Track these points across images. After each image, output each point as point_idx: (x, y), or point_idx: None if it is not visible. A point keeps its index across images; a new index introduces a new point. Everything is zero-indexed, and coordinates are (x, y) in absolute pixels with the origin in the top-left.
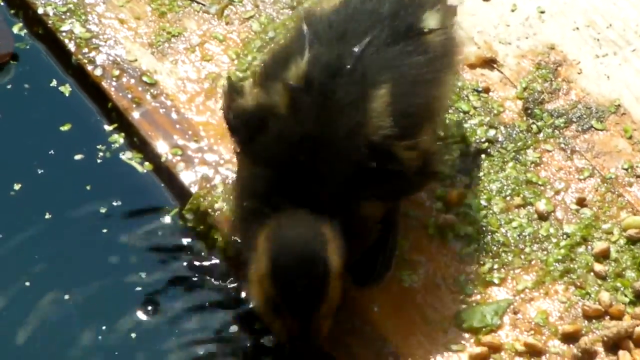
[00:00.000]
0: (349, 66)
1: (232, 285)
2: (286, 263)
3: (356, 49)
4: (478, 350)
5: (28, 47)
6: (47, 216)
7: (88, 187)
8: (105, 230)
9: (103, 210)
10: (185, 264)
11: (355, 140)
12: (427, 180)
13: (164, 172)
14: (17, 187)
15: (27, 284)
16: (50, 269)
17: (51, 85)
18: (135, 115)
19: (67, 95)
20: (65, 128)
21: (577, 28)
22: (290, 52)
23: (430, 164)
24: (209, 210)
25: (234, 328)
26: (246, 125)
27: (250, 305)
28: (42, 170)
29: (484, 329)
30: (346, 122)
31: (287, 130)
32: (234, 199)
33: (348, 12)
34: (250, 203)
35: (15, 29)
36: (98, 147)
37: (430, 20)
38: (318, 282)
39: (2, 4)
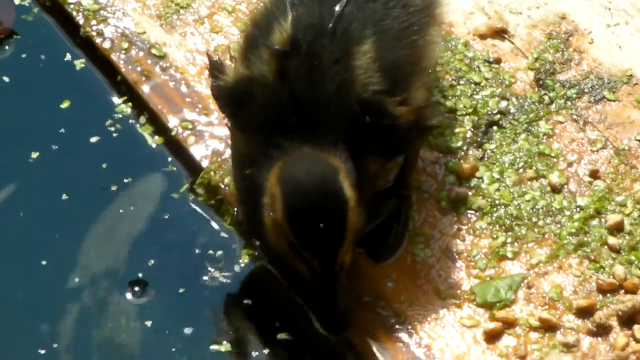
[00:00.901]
0: (330, 25)
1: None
2: (301, 205)
3: (337, 8)
4: (492, 325)
5: (33, 19)
6: (64, 196)
7: (104, 165)
8: (116, 203)
9: (114, 188)
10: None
11: (345, 98)
12: (423, 135)
13: (175, 146)
14: (34, 155)
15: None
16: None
17: (60, 57)
18: (145, 88)
19: (77, 68)
20: (72, 101)
21: None
22: (272, 17)
23: (424, 118)
24: (220, 184)
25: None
26: (231, 100)
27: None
28: (57, 146)
29: (498, 304)
30: (335, 81)
31: (276, 95)
32: (233, 171)
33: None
34: (250, 171)
35: (20, 1)
36: (108, 120)
37: None
38: (337, 220)
39: None
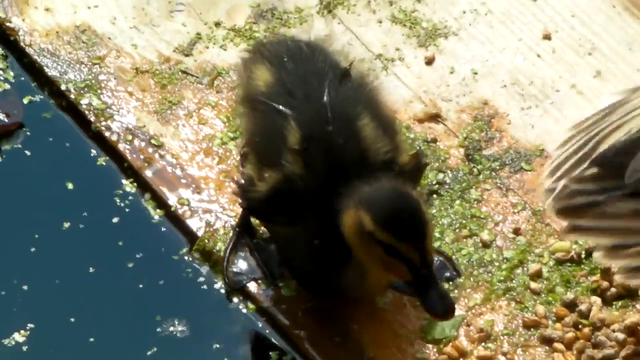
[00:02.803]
0: (329, 115)
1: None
2: (392, 212)
3: (325, 99)
4: (439, 358)
5: (51, 116)
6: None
7: (120, 242)
8: (131, 265)
9: (138, 256)
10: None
11: (367, 166)
12: (422, 173)
13: (174, 219)
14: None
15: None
16: None
17: (75, 146)
18: (148, 173)
19: (95, 159)
20: (86, 183)
21: (505, 86)
22: (277, 127)
23: (420, 160)
24: (213, 250)
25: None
26: (271, 206)
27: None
28: (86, 213)
29: (443, 340)
30: (353, 156)
31: (310, 182)
32: (293, 263)
33: (294, 79)
34: (318, 259)
35: (42, 100)
36: (116, 197)
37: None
38: (422, 214)
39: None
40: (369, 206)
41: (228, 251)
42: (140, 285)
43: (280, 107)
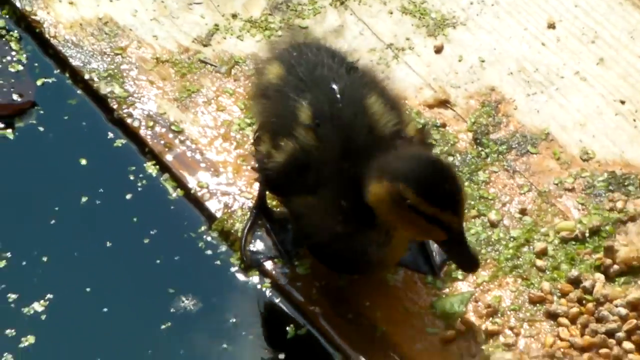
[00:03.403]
0: (338, 95)
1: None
2: (434, 182)
3: (333, 85)
4: (448, 333)
5: (77, 102)
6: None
7: (135, 218)
8: (146, 241)
9: (152, 232)
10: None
11: (375, 137)
12: (431, 149)
13: (194, 201)
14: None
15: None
16: None
17: (93, 128)
18: (169, 157)
19: (113, 141)
20: (96, 161)
21: (511, 73)
22: (290, 107)
23: (425, 137)
24: (231, 230)
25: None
26: (288, 175)
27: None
28: (102, 189)
29: (452, 315)
30: (363, 129)
31: (325, 152)
32: (309, 235)
33: (304, 71)
34: (341, 226)
35: (67, 88)
36: (138, 177)
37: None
38: (459, 182)
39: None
40: (410, 181)
41: (245, 231)
42: (157, 261)
43: (292, 95)
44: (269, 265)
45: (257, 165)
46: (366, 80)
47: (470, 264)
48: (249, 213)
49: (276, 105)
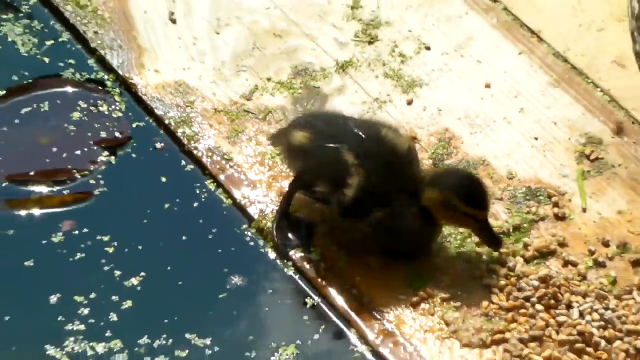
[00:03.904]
0: (364, 137)
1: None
2: (471, 188)
3: (357, 131)
4: (415, 299)
5: (160, 139)
6: (184, 237)
7: (200, 220)
8: (210, 236)
9: (213, 230)
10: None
11: (399, 155)
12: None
13: (239, 208)
14: (166, 205)
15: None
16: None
17: (171, 157)
18: (222, 177)
19: (185, 166)
20: (174, 178)
21: (460, 118)
22: (335, 158)
23: (414, 150)
24: (265, 227)
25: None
26: (361, 203)
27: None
28: (178, 199)
29: (418, 286)
30: (390, 153)
31: (377, 179)
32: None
33: (327, 128)
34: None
35: (146, 126)
36: (202, 191)
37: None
38: (485, 188)
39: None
40: (456, 190)
41: (275, 230)
42: (220, 250)
43: (332, 144)
44: (291, 253)
45: (337, 205)
46: (368, 123)
47: (496, 243)
48: (274, 216)
49: (321, 158)
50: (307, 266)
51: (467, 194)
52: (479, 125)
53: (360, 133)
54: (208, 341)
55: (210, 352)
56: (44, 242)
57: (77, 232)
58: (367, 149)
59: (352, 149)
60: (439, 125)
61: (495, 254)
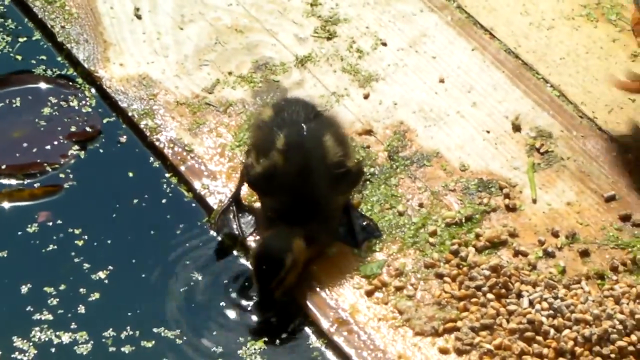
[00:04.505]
0: (304, 133)
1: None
2: (259, 254)
3: (303, 125)
4: (369, 287)
5: (125, 132)
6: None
7: (167, 215)
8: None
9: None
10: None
11: (325, 164)
12: (361, 177)
13: (199, 198)
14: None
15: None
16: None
17: (137, 151)
18: (182, 168)
19: (150, 158)
20: (140, 172)
21: (414, 112)
22: (271, 135)
23: (360, 168)
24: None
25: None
26: (262, 180)
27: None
28: (147, 195)
29: (372, 275)
30: (317, 156)
31: (286, 171)
32: (262, 214)
33: (285, 115)
34: (271, 215)
35: (114, 121)
36: (162, 183)
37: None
38: (273, 264)
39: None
40: (256, 249)
41: (221, 210)
42: (179, 244)
43: (274, 128)
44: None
45: (245, 170)
46: (326, 124)
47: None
48: (226, 199)
49: (264, 134)
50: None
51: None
52: (432, 118)
53: (304, 127)
54: (175, 333)
55: (178, 343)
56: (19, 233)
57: (50, 224)
58: (300, 143)
59: (287, 137)
60: (394, 118)
61: (448, 243)
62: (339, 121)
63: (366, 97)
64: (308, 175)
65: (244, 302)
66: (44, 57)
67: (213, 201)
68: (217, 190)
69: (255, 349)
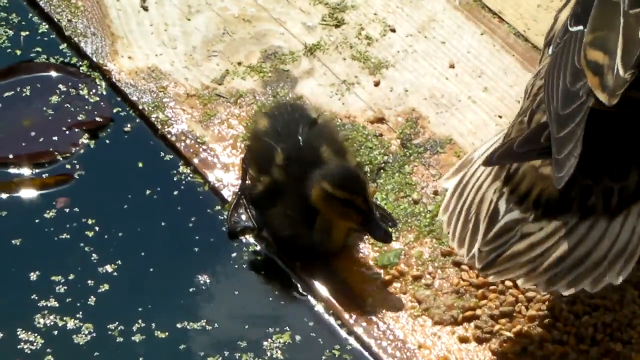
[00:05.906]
0: (302, 144)
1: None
2: (340, 176)
3: (300, 138)
4: (386, 277)
5: (135, 123)
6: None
7: (179, 207)
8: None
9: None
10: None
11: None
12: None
13: (213, 190)
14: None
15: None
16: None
17: (148, 142)
18: (196, 160)
19: (161, 151)
20: (151, 164)
21: (426, 98)
22: (270, 149)
23: (360, 170)
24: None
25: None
26: (264, 199)
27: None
28: (158, 187)
29: (389, 265)
30: (316, 169)
31: (287, 185)
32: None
33: (281, 125)
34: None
35: (129, 115)
36: (174, 174)
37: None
38: (359, 173)
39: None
40: (327, 177)
41: (231, 207)
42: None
43: (272, 142)
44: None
45: (244, 189)
46: (322, 132)
47: (380, 235)
48: (234, 195)
49: (262, 147)
50: (278, 248)
51: (338, 179)
52: (444, 104)
53: (300, 140)
54: (200, 324)
55: (194, 333)
56: (36, 220)
57: (67, 210)
58: (299, 157)
59: (285, 152)
60: (405, 105)
61: None
62: (335, 126)
63: (377, 84)
64: (308, 187)
65: (260, 293)
66: (48, 50)
67: (227, 193)
68: (231, 182)
69: (279, 342)
